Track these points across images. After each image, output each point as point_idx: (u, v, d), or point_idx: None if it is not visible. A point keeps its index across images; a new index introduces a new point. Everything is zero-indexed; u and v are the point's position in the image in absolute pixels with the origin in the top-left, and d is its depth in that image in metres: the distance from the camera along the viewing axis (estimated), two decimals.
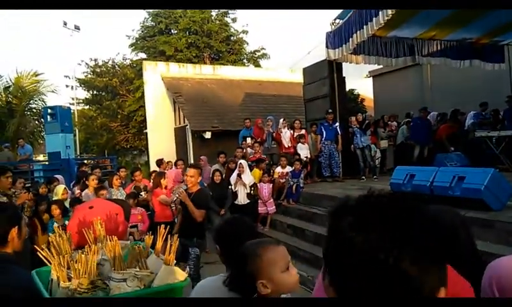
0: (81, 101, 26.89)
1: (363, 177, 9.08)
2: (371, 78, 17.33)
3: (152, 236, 1.34)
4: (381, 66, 13.35)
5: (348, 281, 0.63)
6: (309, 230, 6.67)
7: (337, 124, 9.26)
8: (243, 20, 52.34)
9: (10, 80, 18.38)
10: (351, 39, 8.38)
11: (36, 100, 18.87)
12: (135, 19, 73.59)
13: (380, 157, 9.72)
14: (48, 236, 3.29)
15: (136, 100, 22.18)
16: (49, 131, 12.41)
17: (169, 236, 1.56)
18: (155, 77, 16.36)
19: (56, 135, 11.92)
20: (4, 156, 12.10)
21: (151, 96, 16.48)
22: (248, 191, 7.64)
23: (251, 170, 8.05)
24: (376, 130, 9.94)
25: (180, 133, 16.00)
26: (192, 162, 13.75)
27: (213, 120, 14.75)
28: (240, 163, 7.76)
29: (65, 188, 6.59)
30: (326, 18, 40.04)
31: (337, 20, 9.08)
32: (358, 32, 8.13)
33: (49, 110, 12.53)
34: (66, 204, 5.80)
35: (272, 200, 7.70)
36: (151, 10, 22.48)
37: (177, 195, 4.67)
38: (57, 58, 70.53)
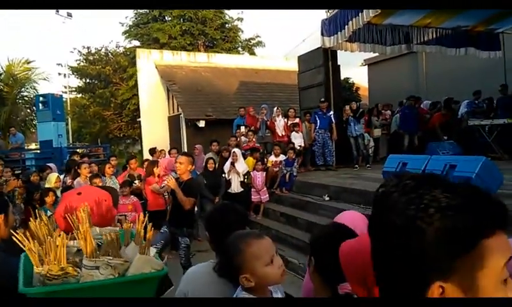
0: (74, 89, 26.62)
1: (356, 166, 9.10)
2: (366, 66, 17.29)
3: (144, 224, 1.32)
4: (377, 55, 13.31)
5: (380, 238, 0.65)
6: (302, 218, 6.70)
7: (331, 113, 9.24)
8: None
9: (1, 68, 18.14)
10: (346, 26, 8.33)
11: (27, 88, 18.68)
12: None
13: (373, 145, 9.75)
14: None
15: (129, 88, 21.98)
16: (41, 119, 12.29)
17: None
18: (149, 64, 16.20)
19: (48, 124, 11.81)
20: None
21: (144, 85, 16.34)
22: (242, 179, 7.64)
23: (244, 158, 8.04)
24: (369, 119, 9.95)
25: (173, 122, 15.91)
26: (186, 151, 13.72)
27: (207, 109, 14.67)
28: (234, 151, 7.75)
29: (58, 176, 6.55)
30: None
31: None
32: (354, 19, 8.08)
33: (41, 98, 12.39)
34: (59, 192, 5.77)
35: (265, 189, 7.71)
36: None
37: (166, 182, 4.62)
38: (50, 46, 69.54)
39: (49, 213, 4.99)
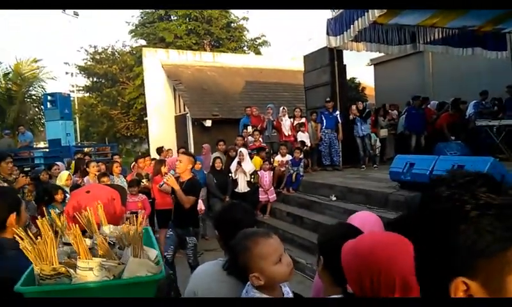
0: (81, 88, 26.82)
1: (363, 166, 9.08)
2: (372, 66, 17.21)
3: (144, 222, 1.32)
4: (383, 54, 13.24)
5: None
6: (308, 218, 6.71)
7: (337, 112, 9.22)
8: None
9: (10, 67, 18.32)
10: (352, 26, 8.29)
11: (35, 87, 18.85)
12: None
13: (380, 145, 9.72)
14: None
15: (136, 87, 22.10)
16: (49, 118, 12.40)
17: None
18: (155, 64, 16.27)
19: (56, 122, 11.91)
20: (4, 143, 12.10)
21: (151, 84, 16.41)
22: (248, 179, 7.66)
23: (251, 158, 8.05)
24: (376, 119, 9.91)
25: (180, 121, 15.97)
26: (192, 150, 13.76)
27: (213, 108, 14.70)
28: (241, 151, 7.77)
29: (69, 174, 6.59)
30: None
31: None
32: (360, 19, 8.05)
33: (49, 97, 12.50)
34: (69, 190, 5.82)
35: (272, 188, 7.73)
36: None
37: (165, 180, 4.49)
38: (56, 45, 70.07)
39: (57, 211, 5.04)
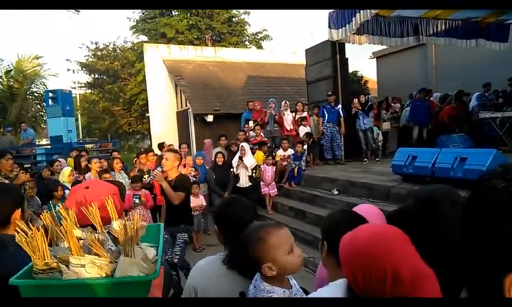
0: (83, 85, 26.84)
1: (366, 159, 9.05)
2: (375, 59, 17.12)
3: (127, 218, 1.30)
4: (385, 47, 13.16)
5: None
6: (310, 212, 6.70)
7: (339, 106, 9.18)
8: None
9: (11, 64, 18.34)
10: (354, 19, 8.22)
11: (37, 84, 18.86)
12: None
13: (382, 139, 9.68)
14: None
15: (137, 83, 22.09)
16: (51, 115, 12.41)
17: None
18: (157, 59, 16.23)
19: (58, 119, 11.92)
20: (6, 140, 12.13)
21: (152, 79, 16.39)
22: (250, 174, 7.65)
23: (253, 153, 8.04)
24: (379, 112, 9.86)
25: (182, 117, 15.95)
26: (194, 145, 13.76)
27: (215, 103, 14.67)
28: (242, 146, 7.75)
29: (72, 170, 6.59)
30: None
31: None
32: (362, 11, 7.97)
33: (50, 94, 12.49)
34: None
35: (274, 183, 7.72)
36: None
37: (152, 176, 4.38)
38: (58, 42, 70.09)
39: (57, 208, 5.02)
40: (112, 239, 1.21)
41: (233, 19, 23.75)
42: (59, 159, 7.62)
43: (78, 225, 1.28)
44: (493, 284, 0.61)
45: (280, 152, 8.27)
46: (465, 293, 0.70)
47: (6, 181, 4.47)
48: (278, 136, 9.26)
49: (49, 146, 12.65)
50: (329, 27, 8.99)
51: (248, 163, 7.58)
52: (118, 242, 1.13)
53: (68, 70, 25.82)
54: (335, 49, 9.62)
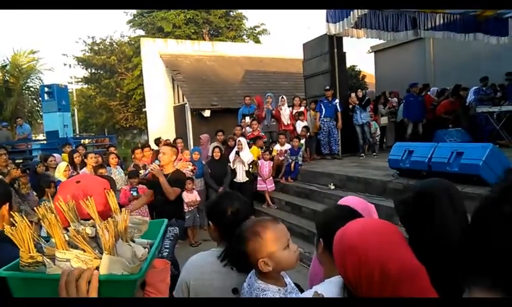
0: (80, 79, 26.68)
1: (363, 154, 9.04)
2: (373, 54, 17.07)
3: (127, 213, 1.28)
4: (383, 41, 13.11)
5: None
6: (307, 207, 6.69)
7: (337, 101, 9.15)
8: None
9: (7, 59, 18.20)
10: (352, 12, 8.17)
11: (33, 79, 18.74)
12: None
13: (380, 133, 9.66)
14: None
15: (134, 78, 21.97)
16: (46, 110, 12.32)
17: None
18: (154, 54, 16.13)
19: (54, 114, 11.83)
20: (2, 135, 12.05)
21: (149, 74, 16.30)
22: (247, 169, 7.62)
23: (250, 148, 8.01)
24: (375, 107, 9.84)
25: (179, 112, 15.89)
26: (192, 140, 13.72)
27: (212, 98, 14.61)
28: (239, 140, 7.72)
29: (67, 165, 6.54)
30: None
31: None
32: None
33: (46, 89, 12.39)
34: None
35: (271, 178, 7.70)
36: None
37: (150, 170, 4.32)
38: (54, 36, 69.60)
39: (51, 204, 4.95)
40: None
41: (231, 13, 23.62)
42: (54, 154, 7.55)
43: (79, 218, 1.26)
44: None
45: (277, 147, 8.25)
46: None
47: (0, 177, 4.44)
48: (275, 131, 9.23)
49: (45, 142, 12.59)
50: (327, 21, 8.92)
51: (244, 158, 7.56)
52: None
53: (65, 64, 25.84)
54: (333, 43, 9.56)
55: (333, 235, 1.28)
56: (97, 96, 25.72)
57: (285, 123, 9.25)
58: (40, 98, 14.96)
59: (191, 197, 6.61)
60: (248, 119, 9.27)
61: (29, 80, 18.73)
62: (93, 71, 25.57)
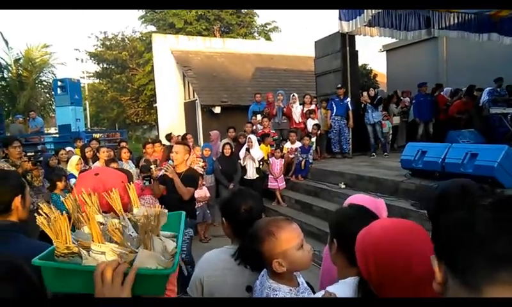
0: (91, 74, 26.91)
1: (374, 154, 8.97)
2: (384, 53, 16.90)
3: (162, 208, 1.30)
4: (395, 40, 12.97)
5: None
6: (316, 206, 6.67)
7: (348, 99, 9.08)
8: None
9: (20, 53, 18.42)
10: (365, 10, 8.10)
11: (46, 73, 18.95)
12: None
13: (391, 133, 9.58)
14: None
15: (145, 73, 22.10)
16: (59, 103, 12.45)
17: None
18: (165, 50, 16.20)
19: (66, 108, 11.96)
20: (15, 128, 12.23)
21: (160, 70, 16.37)
22: (257, 166, 7.62)
23: (259, 145, 8.00)
24: (387, 106, 9.76)
25: (189, 108, 15.95)
26: (201, 137, 13.76)
27: (223, 95, 14.63)
28: (249, 137, 7.72)
29: (79, 159, 6.59)
30: None
31: None
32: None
33: (59, 83, 12.52)
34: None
35: (282, 176, 7.69)
36: None
37: (164, 170, 4.23)
38: (67, 31, 70.26)
39: (61, 198, 4.95)
40: (133, 226, 1.20)
41: (242, 10, 23.58)
42: (66, 148, 7.61)
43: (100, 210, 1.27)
44: None
45: (288, 145, 8.23)
46: None
47: (13, 169, 4.49)
48: (285, 129, 9.21)
49: (57, 135, 12.73)
50: (340, 19, 8.84)
51: (255, 155, 7.55)
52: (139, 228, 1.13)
53: (77, 59, 26.06)
54: (345, 41, 9.49)
55: (347, 234, 1.28)
56: (108, 91, 25.93)
57: (297, 121, 9.22)
58: (53, 92, 15.13)
59: (200, 193, 6.62)
60: (259, 116, 9.26)
61: (41, 74, 18.96)
62: (105, 66, 25.78)
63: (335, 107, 9.07)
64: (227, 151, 7.47)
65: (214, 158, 7.74)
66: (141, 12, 23.20)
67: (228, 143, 7.80)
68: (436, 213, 1.63)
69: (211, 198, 7.01)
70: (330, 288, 1.28)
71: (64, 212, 1.04)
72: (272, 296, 1.43)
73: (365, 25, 8.71)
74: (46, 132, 15.99)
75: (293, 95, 9.49)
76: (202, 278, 1.72)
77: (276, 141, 8.78)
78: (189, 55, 16.30)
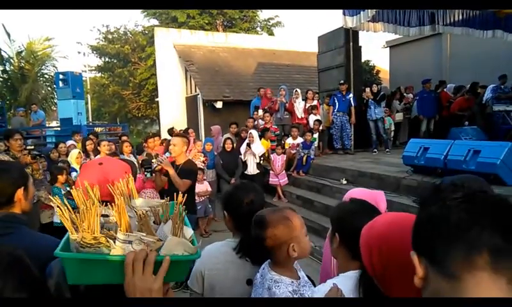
0: (93, 68, 26.87)
1: (375, 150, 8.94)
2: (387, 49, 16.82)
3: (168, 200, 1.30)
4: (399, 36, 12.90)
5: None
6: (318, 201, 6.66)
7: (351, 95, 9.05)
8: None
9: (22, 45, 18.40)
10: None
11: (47, 66, 18.92)
12: None
13: (394, 129, 9.55)
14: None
15: (147, 68, 22.04)
16: (61, 97, 12.44)
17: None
18: (167, 44, 16.13)
19: (68, 101, 11.95)
20: (17, 121, 12.23)
21: (162, 64, 16.32)
22: (258, 161, 7.61)
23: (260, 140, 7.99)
24: (390, 102, 9.73)
25: (191, 103, 15.91)
26: (203, 131, 13.74)
27: (225, 89, 14.59)
28: (250, 132, 7.71)
29: (80, 152, 6.61)
30: None
31: None
32: None
33: (61, 76, 12.50)
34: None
35: (284, 172, 7.68)
36: None
37: (158, 162, 4.21)
38: (69, 24, 70.09)
39: (62, 191, 4.95)
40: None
41: None
42: (67, 142, 7.62)
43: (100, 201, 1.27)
44: None
45: (289, 140, 8.21)
46: None
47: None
48: (287, 124, 9.18)
49: (59, 128, 12.73)
50: (344, 14, 8.78)
51: (255, 150, 7.54)
52: (152, 219, 1.16)
53: (79, 52, 25.90)
54: (349, 37, 9.44)
55: (349, 229, 1.29)
56: (110, 85, 25.89)
57: (299, 117, 9.19)
58: (55, 86, 15.12)
59: (201, 187, 6.62)
60: (260, 111, 9.24)
61: (43, 67, 18.94)
62: (107, 60, 25.72)
63: (337, 103, 9.04)
64: (228, 146, 7.47)
65: (216, 153, 7.74)
66: None
67: (229, 138, 7.80)
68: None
69: (212, 193, 7.01)
70: (330, 281, 1.28)
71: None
72: (274, 288, 1.44)
73: (368, 21, 8.65)
74: (48, 125, 16.01)
75: (296, 91, 9.45)
76: (203, 271, 1.72)
77: (277, 136, 8.75)
78: (191, 49, 16.24)
